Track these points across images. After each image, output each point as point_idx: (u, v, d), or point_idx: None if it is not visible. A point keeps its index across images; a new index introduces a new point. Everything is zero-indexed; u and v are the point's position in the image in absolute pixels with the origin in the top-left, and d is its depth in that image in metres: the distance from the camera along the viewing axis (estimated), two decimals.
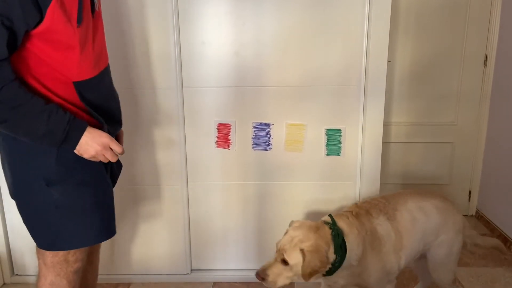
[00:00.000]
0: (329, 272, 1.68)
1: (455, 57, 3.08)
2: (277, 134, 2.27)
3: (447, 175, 3.29)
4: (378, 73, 2.17)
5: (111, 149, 1.41)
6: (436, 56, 3.08)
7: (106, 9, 1.68)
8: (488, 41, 3.04)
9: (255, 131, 2.27)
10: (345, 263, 1.68)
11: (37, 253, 1.53)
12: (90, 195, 1.46)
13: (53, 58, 1.32)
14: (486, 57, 3.06)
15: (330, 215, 1.76)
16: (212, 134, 2.27)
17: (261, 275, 1.65)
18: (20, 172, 1.42)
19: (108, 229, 1.56)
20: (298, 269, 1.61)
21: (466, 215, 3.34)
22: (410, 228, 1.84)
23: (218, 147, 2.29)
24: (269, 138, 2.28)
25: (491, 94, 3.09)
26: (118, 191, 2.31)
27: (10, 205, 2.23)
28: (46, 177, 1.39)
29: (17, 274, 2.46)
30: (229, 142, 2.28)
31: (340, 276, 1.74)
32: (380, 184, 2.34)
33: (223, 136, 2.27)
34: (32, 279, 2.35)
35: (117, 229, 2.34)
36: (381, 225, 1.79)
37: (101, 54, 1.51)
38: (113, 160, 1.43)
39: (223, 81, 2.21)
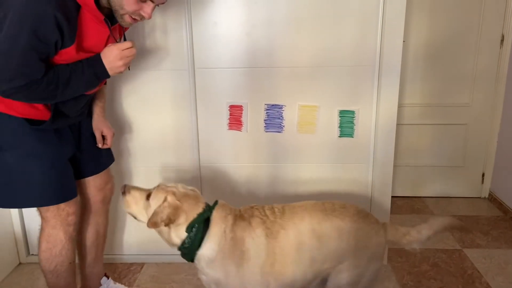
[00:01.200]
0: (185, 255, 1.61)
1: (471, 36, 3.01)
2: (290, 116, 2.25)
3: (461, 157, 3.26)
4: (393, 54, 2.12)
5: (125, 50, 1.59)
6: (451, 36, 3.02)
7: None
8: (505, 20, 2.97)
9: (267, 112, 2.25)
10: (198, 254, 1.58)
11: (37, 210, 1.75)
12: (38, 165, 1.63)
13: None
14: (503, 36, 2.99)
15: (216, 201, 1.66)
16: (224, 116, 2.26)
17: (125, 189, 1.65)
18: None
19: (58, 194, 1.70)
20: (151, 212, 1.56)
21: (479, 197, 3.33)
22: (290, 254, 1.58)
23: (230, 129, 2.28)
24: (282, 119, 2.26)
25: (507, 74, 3.03)
26: (130, 172, 2.34)
27: None
28: (0, 143, 1.59)
29: (32, 254, 2.51)
30: (241, 124, 2.27)
31: (203, 280, 1.65)
32: (393, 166, 2.32)
33: (235, 118, 2.26)
34: None
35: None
36: (254, 239, 1.57)
37: None
38: (133, 52, 1.61)
39: (235, 62, 2.18)
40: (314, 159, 2.32)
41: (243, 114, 2.25)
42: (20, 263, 2.49)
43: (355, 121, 2.24)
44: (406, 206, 3.21)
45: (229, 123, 2.27)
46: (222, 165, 2.34)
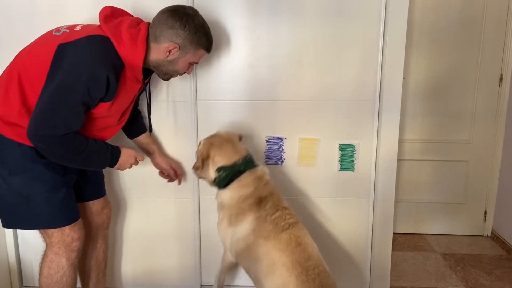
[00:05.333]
0: (216, 183, 1.88)
1: (470, 75, 3.05)
2: (290, 149, 2.26)
3: (462, 194, 3.23)
4: (393, 89, 2.15)
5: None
6: (450, 74, 3.06)
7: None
8: (504, 60, 3.01)
9: (268, 145, 2.26)
10: (219, 192, 1.90)
11: (41, 236, 1.80)
12: (43, 188, 1.68)
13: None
14: (502, 75, 3.03)
15: (256, 165, 1.91)
16: None
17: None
18: None
19: (63, 216, 1.75)
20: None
21: (481, 236, 3.28)
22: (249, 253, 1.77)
23: None
24: (282, 152, 2.26)
25: (506, 112, 3.05)
26: (126, 202, 2.32)
27: None
28: (10, 167, 1.64)
29: (26, 286, 2.45)
30: None
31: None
32: (395, 202, 2.30)
33: None
34: None
35: (126, 242, 2.37)
36: (248, 220, 1.78)
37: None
38: (137, 164, 1.86)
39: (237, 94, 2.21)
40: (314, 193, 2.30)
41: None
42: None
43: (355, 155, 2.24)
44: (408, 243, 3.16)
45: None
46: None
